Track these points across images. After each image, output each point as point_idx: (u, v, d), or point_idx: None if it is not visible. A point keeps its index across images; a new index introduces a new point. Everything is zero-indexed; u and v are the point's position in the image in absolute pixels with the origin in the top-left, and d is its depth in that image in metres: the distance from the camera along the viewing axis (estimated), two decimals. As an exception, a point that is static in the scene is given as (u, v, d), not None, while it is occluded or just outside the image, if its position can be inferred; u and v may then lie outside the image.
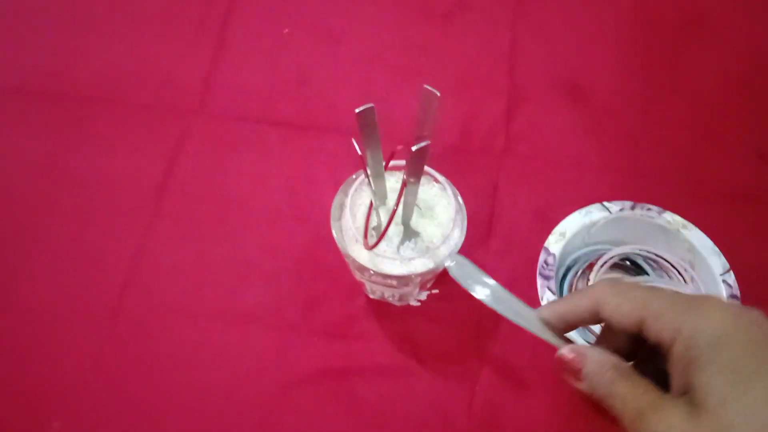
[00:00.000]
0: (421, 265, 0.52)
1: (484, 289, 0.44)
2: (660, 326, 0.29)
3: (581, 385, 0.33)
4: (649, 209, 0.57)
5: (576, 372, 0.33)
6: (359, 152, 0.43)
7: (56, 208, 0.67)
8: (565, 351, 0.34)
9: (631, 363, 0.33)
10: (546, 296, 0.53)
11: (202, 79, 0.75)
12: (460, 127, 0.71)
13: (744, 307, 0.29)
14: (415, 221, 0.54)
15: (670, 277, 0.57)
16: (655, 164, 0.69)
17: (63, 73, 0.76)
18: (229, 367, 0.59)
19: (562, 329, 0.36)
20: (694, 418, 0.26)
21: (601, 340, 0.35)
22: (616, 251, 0.56)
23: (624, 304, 0.31)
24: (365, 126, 0.46)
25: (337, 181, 0.67)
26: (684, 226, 0.56)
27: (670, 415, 0.27)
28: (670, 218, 0.56)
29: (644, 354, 0.33)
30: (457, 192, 0.55)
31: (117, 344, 0.60)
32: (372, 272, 0.52)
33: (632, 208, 0.57)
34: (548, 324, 0.37)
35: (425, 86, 0.45)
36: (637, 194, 0.60)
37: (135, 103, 0.74)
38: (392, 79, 0.75)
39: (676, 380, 0.28)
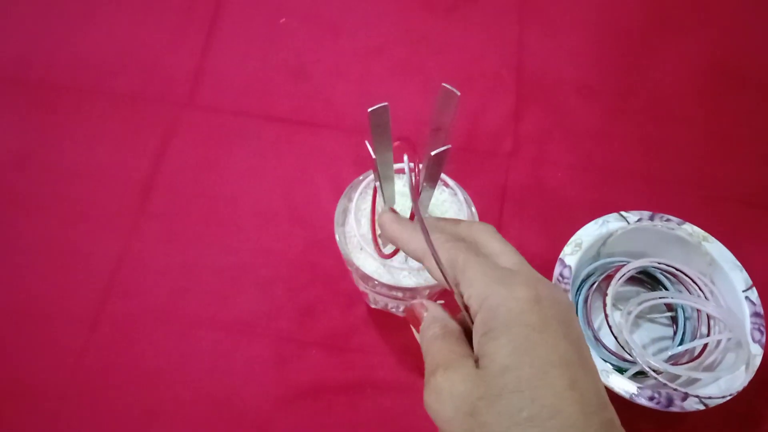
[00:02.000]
0: (431, 277, 0.49)
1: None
2: (469, 294, 0.30)
3: (417, 336, 0.34)
4: (668, 220, 0.54)
5: (417, 323, 0.34)
6: (373, 155, 0.40)
7: (33, 205, 0.62)
8: (416, 302, 0.35)
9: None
10: (561, 311, 0.50)
11: (192, 70, 0.71)
12: (467, 126, 0.68)
13: (551, 285, 0.31)
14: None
15: (690, 291, 0.54)
16: (671, 171, 0.66)
17: (41, 60, 0.71)
18: (219, 379, 0.55)
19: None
20: (474, 379, 0.28)
21: None
22: (635, 264, 0.53)
23: (443, 260, 0.32)
24: (377, 126, 0.42)
25: (336, 180, 0.64)
26: (705, 239, 0.53)
27: (456, 373, 0.28)
28: (690, 230, 0.53)
29: None
30: (470, 198, 0.51)
31: (97, 352, 0.56)
32: (377, 282, 0.48)
33: (651, 218, 0.54)
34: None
35: (444, 85, 0.42)
36: (653, 202, 0.57)
37: (119, 94, 0.69)
38: (394, 75, 0.71)
39: (474, 345, 0.29)
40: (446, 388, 0.28)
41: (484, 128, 0.68)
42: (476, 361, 0.29)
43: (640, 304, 0.52)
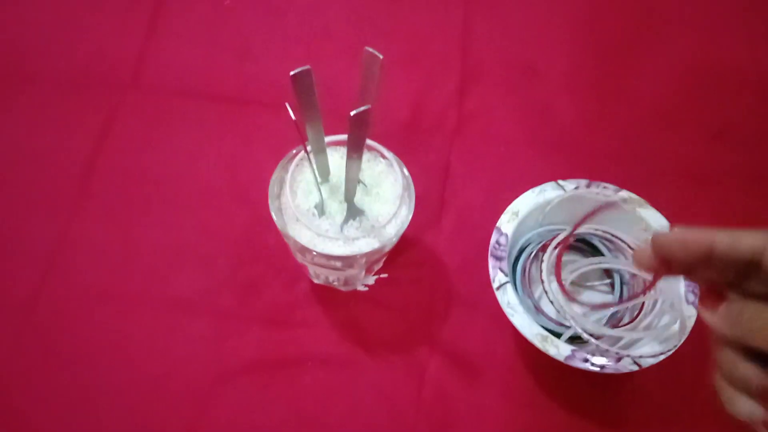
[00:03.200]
0: (366, 244, 0.49)
1: None
2: None
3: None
4: (605, 187, 0.54)
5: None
6: (293, 117, 0.40)
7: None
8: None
9: None
10: (498, 278, 0.50)
11: (136, 52, 0.70)
12: (411, 104, 0.68)
13: None
14: (360, 199, 0.51)
15: (626, 257, 0.54)
16: (610, 144, 0.67)
17: (-20, 42, 0.70)
18: (159, 357, 0.54)
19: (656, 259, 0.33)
20: None
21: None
22: (573, 231, 0.53)
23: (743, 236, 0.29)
24: (302, 92, 0.42)
25: (279, 159, 0.64)
26: (640, 204, 0.54)
27: None
28: (627, 196, 0.54)
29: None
30: (405, 167, 0.52)
31: (36, 332, 0.55)
32: (314, 254, 0.48)
33: (588, 186, 0.54)
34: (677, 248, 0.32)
35: (367, 48, 0.42)
36: (592, 175, 0.57)
37: (61, 77, 0.68)
38: (339, 55, 0.71)
39: None
40: None
41: (429, 106, 0.68)
42: None
43: (574, 270, 0.52)
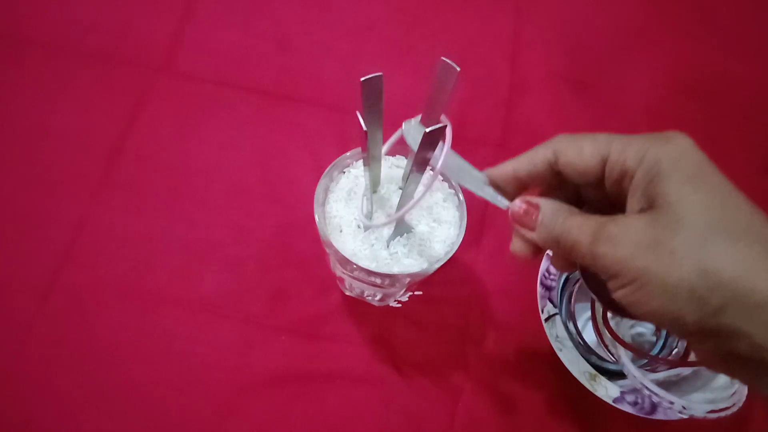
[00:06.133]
0: (412, 264, 0.46)
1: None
2: (624, 157, 0.30)
3: (534, 235, 0.34)
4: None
5: (530, 222, 0.34)
6: (364, 127, 0.37)
7: (-12, 162, 0.58)
8: (517, 202, 0.35)
9: None
10: (547, 309, 0.48)
11: (171, 33, 0.67)
12: (455, 113, 0.65)
13: None
14: (410, 214, 0.48)
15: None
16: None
17: (4, 9, 0.66)
18: (180, 361, 0.51)
19: (512, 191, 0.36)
20: (648, 219, 0.28)
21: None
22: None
23: (586, 146, 0.32)
24: (369, 98, 0.39)
25: (315, 159, 0.61)
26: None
27: (627, 219, 0.29)
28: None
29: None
30: (459, 187, 0.49)
31: (48, 322, 0.52)
32: (356, 267, 0.45)
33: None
34: (495, 184, 0.37)
35: (443, 59, 0.39)
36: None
37: (91, 53, 0.65)
38: (383, 54, 0.68)
39: (633, 204, 0.30)
40: (621, 232, 0.28)
41: (474, 117, 0.65)
42: (641, 211, 0.29)
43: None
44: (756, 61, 0.72)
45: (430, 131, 0.36)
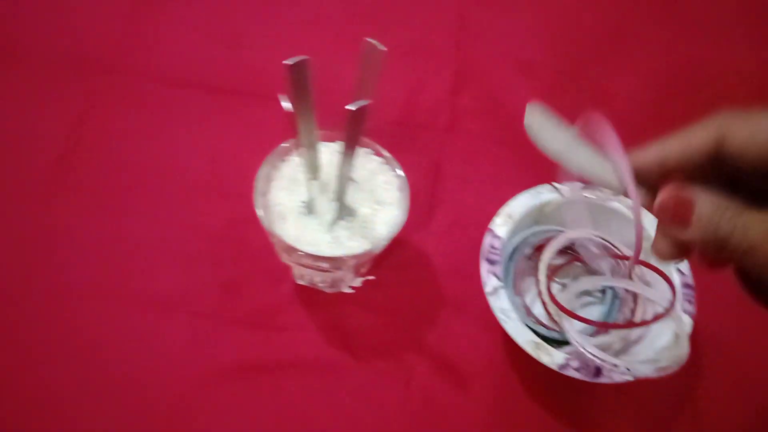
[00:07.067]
0: (356, 246, 0.47)
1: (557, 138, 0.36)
2: (749, 134, 0.27)
3: (689, 233, 0.28)
4: (601, 191, 0.53)
5: (684, 218, 0.28)
6: (287, 109, 0.37)
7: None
8: (666, 196, 0.29)
9: None
10: (491, 282, 0.49)
11: (117, 35, 0.67)
12: (403, 100, 0.66)
13: None
14: (351, 197, 0.49)
15: (619, 265, 0.53)
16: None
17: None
18: (135, 359, 0.51)
19: (653, 181, 0.31)
20: None
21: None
22: (569, 235, 0.52)
23: (764, 126, 0.27)
24: (297, 84, 0.40)
25: (267, 151, 0.61)
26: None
27: None
28: (625, 202, 0.53)
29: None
30: (400, 167, 0.50)
31: (4, 329, 0.52)
32: (301, 253, 0.46)
33: (583, 189, 0.53)
34: (640, 172, 0.31)
35: (368, 39, 0.40)
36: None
37: (36, 57, 0.65)
38: (331, 46, 0.69)
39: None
40: None
41: (422, 102, 0.66)
42: None
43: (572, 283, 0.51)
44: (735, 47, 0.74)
45: (355, 108, 0.37)
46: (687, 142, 0.30)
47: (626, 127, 0.34)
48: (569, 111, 0.68)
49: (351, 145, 0.41)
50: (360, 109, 0.37)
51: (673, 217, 0.29)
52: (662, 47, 0.74)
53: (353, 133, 0.40)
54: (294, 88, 0.39)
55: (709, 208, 0.28)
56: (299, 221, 0.48)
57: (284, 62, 0.37)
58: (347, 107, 0.36)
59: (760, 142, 0.27)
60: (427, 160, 0.62)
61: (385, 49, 0.39)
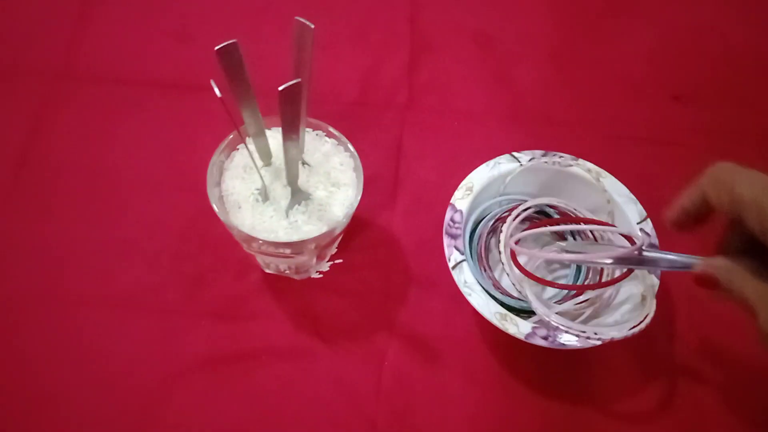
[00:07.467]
0: (313, 229, 0.46)
1: None
2: None
3: (719, 293, 0.34)
4: (561, 157, 0.52)
5: (713, 282, 0.34)
6: (218, 94, 0.37)
7: None
8: (699, 268, 0.35)
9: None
10: (453, 257, 0.48)
11: (67, 39, 0.66)
12: (360, 81, 0.65)
13: None
14: (305, 181, 0.48)
15: (582, 235, 0.53)
16: (566, 112, 0.65)
17: None
18: (104, 358, 0.51)
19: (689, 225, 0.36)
20: None
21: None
22: (530, 203, 0.51)
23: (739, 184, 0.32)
24: (230, 68, 0.40)
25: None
26: (600, 175, 0.52)
27: None
28: (586, 167, 0.52)
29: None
30: (352, 146, 0.49)
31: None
32: (260, 242, 0.46)
33: (543, 156, 0.52)
34: (677, 225, 0.37)
35: (297, 18, 0.39)
36: (549, 144, 0.55)
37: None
38: (283, 33, 0.67)
39: None
40: None
41: (379, 81, 0.65)
42: None
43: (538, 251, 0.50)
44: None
45: (285, 87, 0.36)
46: (688, 199, 0.36)
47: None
48: (530, 80, 0.67)
49: (291, 127, 0.40)
50: (291, 88, 0.36)
51: (702, 284, 0.35)
52: (638, 12, 0.73)
53: (290, 113, 0.39)
54: (227, 73, 0.39)
55: (724, 274, 0.34)
56: (255, 209, 0.47)
57: (215, 48, 0.36)
58: (279, 88, 0.35)
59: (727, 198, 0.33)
60: (389, 139, 0.62)
61: (313, 26, 0.39)
